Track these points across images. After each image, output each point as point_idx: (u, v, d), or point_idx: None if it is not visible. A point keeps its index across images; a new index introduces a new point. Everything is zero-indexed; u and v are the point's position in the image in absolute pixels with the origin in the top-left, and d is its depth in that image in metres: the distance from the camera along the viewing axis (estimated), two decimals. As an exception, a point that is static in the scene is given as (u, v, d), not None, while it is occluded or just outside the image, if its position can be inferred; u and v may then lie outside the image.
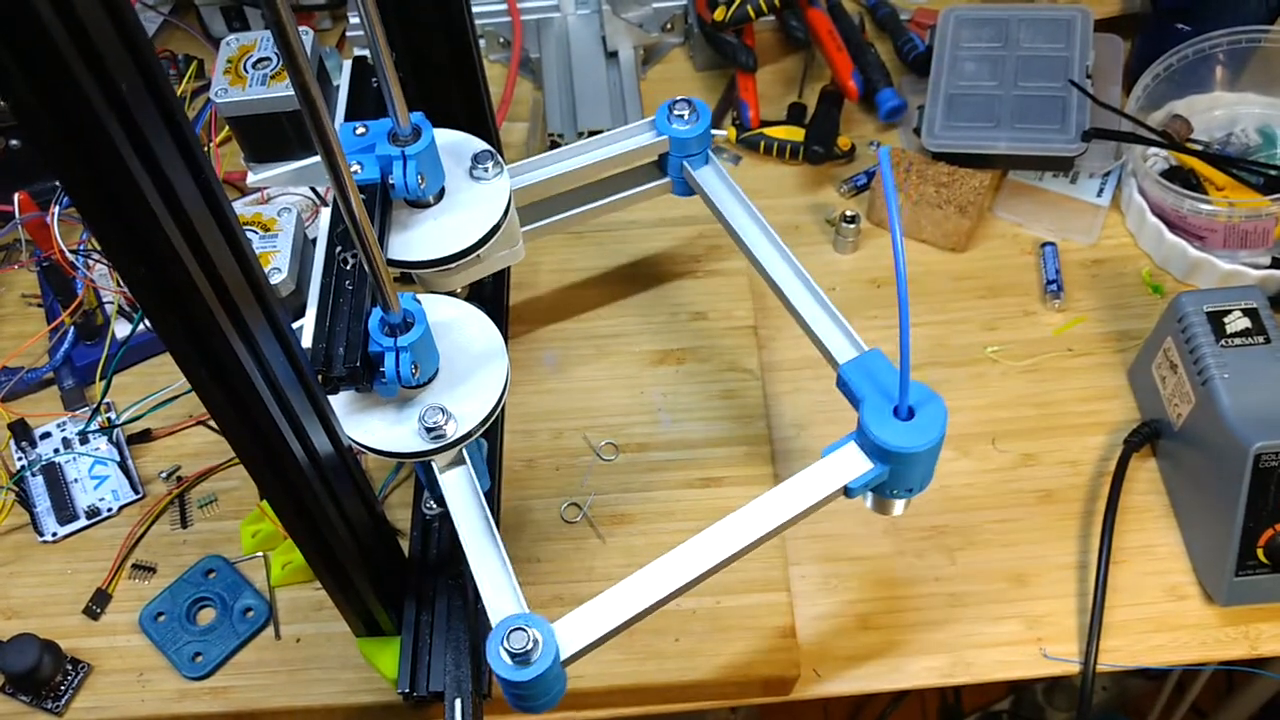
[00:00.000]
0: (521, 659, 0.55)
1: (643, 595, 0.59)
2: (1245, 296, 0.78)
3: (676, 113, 0.77)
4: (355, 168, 0.67)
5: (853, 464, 0.62)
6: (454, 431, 0.63)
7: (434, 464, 0.65)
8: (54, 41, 0.35)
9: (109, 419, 0.86)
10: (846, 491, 0.62)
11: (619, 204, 0.82)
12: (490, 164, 0.72)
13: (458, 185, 0.72)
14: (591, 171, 0.78)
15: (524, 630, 0.55)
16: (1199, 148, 0.93)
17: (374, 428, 0.64)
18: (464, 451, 0.65)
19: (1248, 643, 0.75)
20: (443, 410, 0.63)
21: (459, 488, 0.65)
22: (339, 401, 0.64)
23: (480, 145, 0.73)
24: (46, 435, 0.87)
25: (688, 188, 0.81)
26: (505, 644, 0.55)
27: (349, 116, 0.74)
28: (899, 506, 0.65)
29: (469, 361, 0.66)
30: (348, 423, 0.64)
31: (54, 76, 0.36)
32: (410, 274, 0.72)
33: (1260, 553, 0.73)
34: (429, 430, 0.63)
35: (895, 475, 0.62)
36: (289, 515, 0.59)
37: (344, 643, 0.75)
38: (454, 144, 0.74)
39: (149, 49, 0.40)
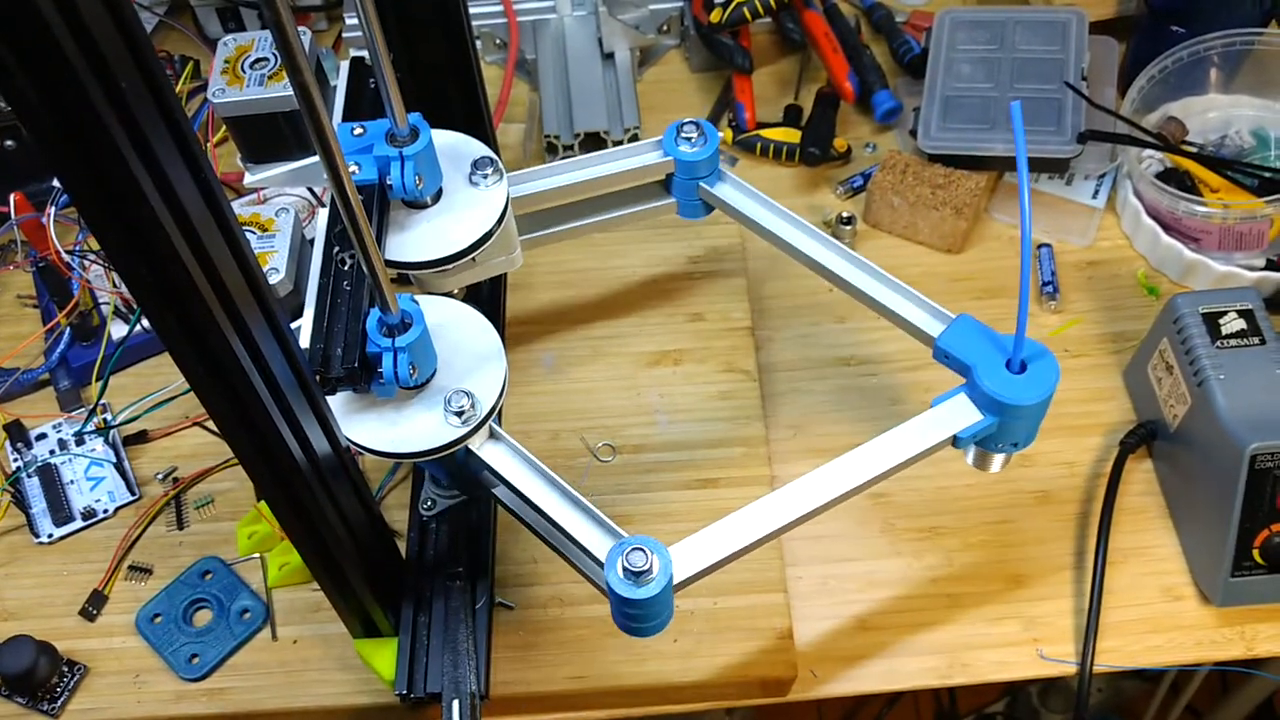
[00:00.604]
0: (641, 577, 0.56)
1: (753, 528, 0.61)
2: (1240, 298, 0.78)
3: (684, 135, 0.77)
4: (353, 168, 0.67)
5: (963, 414, 0.64)
6: (480, 411, 0.63)
7: (470, 447, 0.65)
8: (56, 40, 0.35)
9: (105, 420, 0.86)
10: (955, 441, 0.63)
11: (620, 221, 0.82)
12: (490, 170, 0.72)
13: (455, 187, 0.72)
14: (593, 186, 0.78)
15: (643, 551, 0.57)
16: (1194, 150, 0.94)
17: (370, 428, 0.64)
18: (492, 425, 0.65)
19: (1244, 643, 0.76)
20: (466, 394, 0.63)
21: (506, 457, 0.65)
22: (336, 402, 0.64)
23: (480, 150, 0.73)
24: (42, 436, 0.86)
25: (693, 209, 0.81)
26: (624, 560, 0.56)
27: (346, 117, 0.74)
28: (998, 462, 0.67)
29: (467, 362, 0.66)
30: (345, 424, 0.64)
31: (55, 75, 0.36)
32: (408, 275, 0.72)
33: (1256, 553, 0.73)
34: (459, 414, 0.63)
35: (1004, 428, 0.64)
36: (286, 516, 0.59)
37: (341, 644, 0.75)
38: (451, 145, 0.74)
39: (149, 47, 0.40)
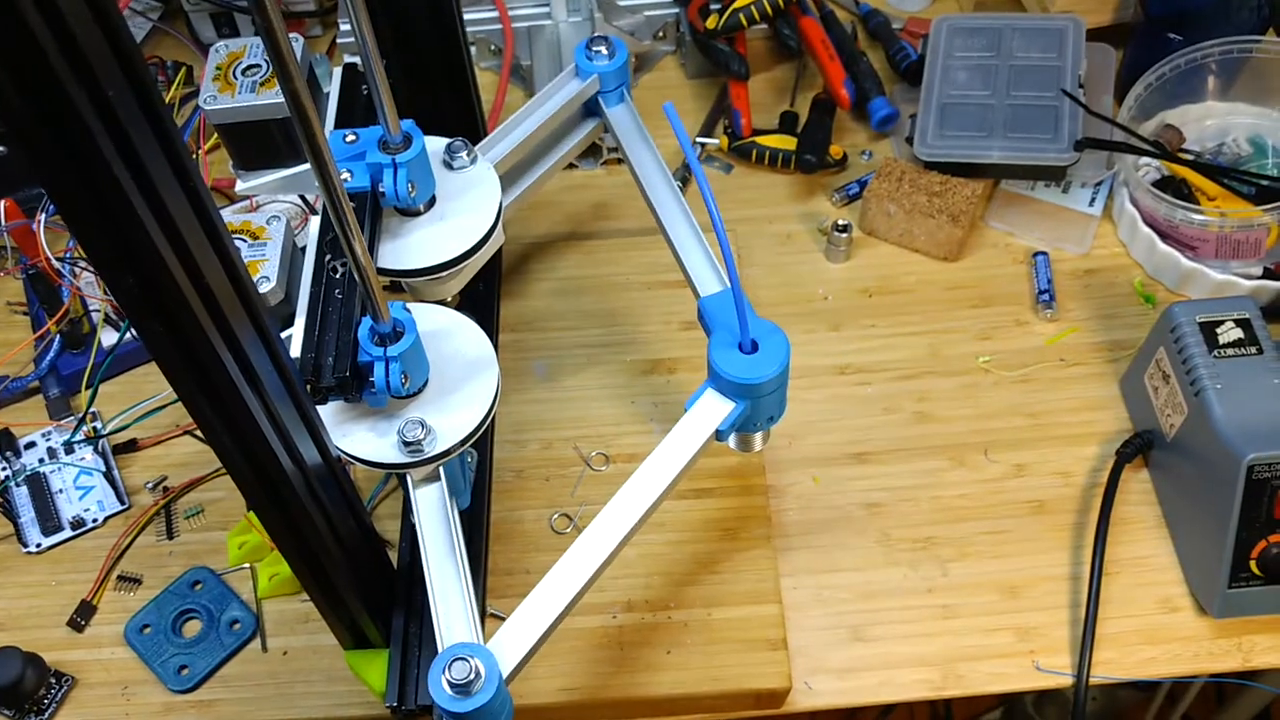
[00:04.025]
0: (462, 689, 0.54)
1: (564, 590, 0.60)
2: (1238, 307, 0.77)
3: (595, 49, 0.78)
4: (345, 175, 0.66)
5: (716, 409, 0.65)
6: (432, 447, 0.63)
7: (409, 478, 0.64)
8: (41, 48, 0.34)
9: (94, 428, 0.85)
10: (718, 435, 0.65)
11: (568, 155, 0.83)
12: (463, 151, 0.72)
13: (448, 192, 0.72)
14: (543, 129, 0.78)
15: (466, 660, 0.55)
16: (1191, 158, 0.93)
17: (362, 438, 0.63)
18: (441, 469, 0.65)
19: (1241, 655, 0.75)
20: (422, 424, 0.62)
21: (430, 505, 0.64)
22: (328, 411, 0.64)
23: (453, 139, 0.73)
24: (31, 445, 0.86)
25: None
26: (447, 674, 0.55)
27: (339, 124, 0.73)
28: (759, 441, 0.69)
29: (459, 371, 0.66)
30: (336, 433, 0.63)
31: (41, 83, 0.35)
32: (401, 283, 0.71)
33: (1253, 564, 0.72)
34: (407, 444, 0.62)
35: (754, 408, 0.65)
36: (276, 527, 0.59)
37: (332, 655, 0.75)
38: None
39: (137, 55, 0.39)
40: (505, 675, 0.56)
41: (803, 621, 0.77)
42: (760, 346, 0.64)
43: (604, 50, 0.78)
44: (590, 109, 0.82)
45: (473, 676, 0.54)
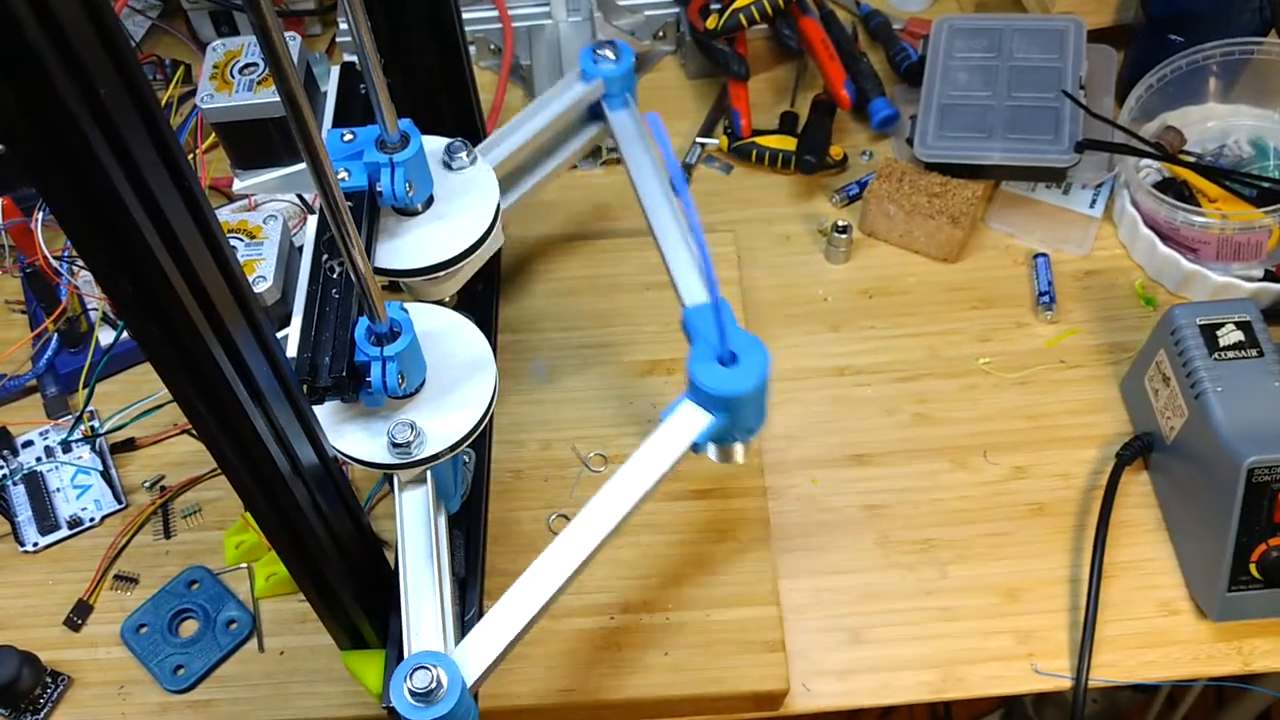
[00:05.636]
0: (423, 698, 0.54)
1: (532, 599, 0.59)
2: (1238, 309, 0.77)
3: (601, 53, 0.78)
4: (342, 175, 0.66)
5: (692, 420, 0.63)
6: (420, 450, 0.62)
7: (395, 480, 0.64)
8: (32, 46, 0.34)
9: (92, 427, 0.85)
10: (694, 447, 0.63)
11: (570, 159, 0.83)
12: (463, 153, 0.72)
13: (446, 193, 0.71)
14: (545, 135, 0.78)
15: (429, 669, 0.54)
16: (1192, 159, 0.93)
17: (356, 437, 0.63)
18: (429, 473, 0.64)
19: (1240, 658, 0.75)
20: (412, 426, 0.62)
21: (413, 509, 0.64)
22: (324, 411, 0.63)
23: (453, 139, 0.73)
24: (29, 444, 0.86)
25: None
26: (409, 682, 0.54)
27: (337, 123, 0.73)
28: (740, 453, 0.67)
29: (457, 371, 0.66)
30: (332, 433, 0.63)
31: (33, 81, 0.35)
32: (398, 282, 0.71)
33: (1253, 568, 0.72)
34: (395, 445, 0.62)
35: (733, 420, 0.63)
36: (272, 528, 0.58)
37: (328, 656, 0.74)
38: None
39: (130, 53, 0.39)
40: (470, 682, 0.56)
41: (801, 623, 0.77)
42: (739, 359, 0.62)
43: (610, 54, 0.78)
44: (594, 113, 0.81)
45: (434, 685, 0.54)
